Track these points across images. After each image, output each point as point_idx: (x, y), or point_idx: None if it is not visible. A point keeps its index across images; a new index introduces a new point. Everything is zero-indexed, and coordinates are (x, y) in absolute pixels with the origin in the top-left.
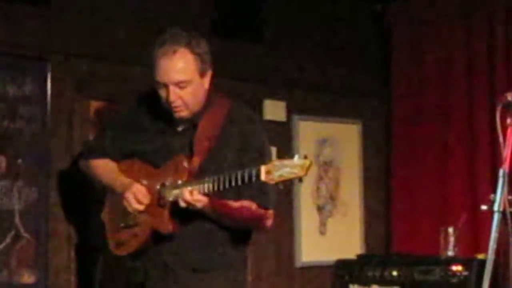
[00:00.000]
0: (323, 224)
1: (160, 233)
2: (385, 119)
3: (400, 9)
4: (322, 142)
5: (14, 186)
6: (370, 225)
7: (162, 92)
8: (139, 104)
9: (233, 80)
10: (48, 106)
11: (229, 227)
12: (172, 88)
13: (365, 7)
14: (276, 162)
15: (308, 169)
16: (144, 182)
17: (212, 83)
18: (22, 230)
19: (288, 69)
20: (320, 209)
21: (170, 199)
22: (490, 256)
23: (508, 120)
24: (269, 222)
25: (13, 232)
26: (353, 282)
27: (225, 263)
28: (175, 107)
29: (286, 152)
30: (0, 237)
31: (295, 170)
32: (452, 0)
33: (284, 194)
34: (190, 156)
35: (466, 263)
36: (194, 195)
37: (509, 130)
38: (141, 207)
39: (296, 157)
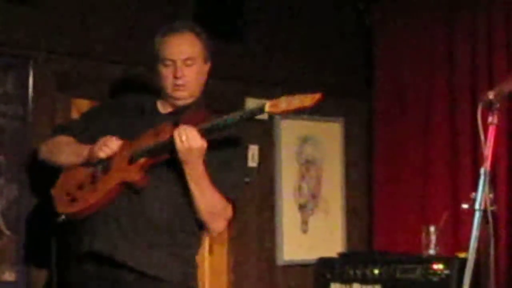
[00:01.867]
0: (305, 222)
1: (127, 185)
2: (367, 118)
3: (383, 7)
4: (304, 141)
5: None
6: (352, 223)
7: (167, 71)
8: (117, 100)
9: (214, 79)
10: (30, 104)
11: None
12: (180, 64)
13: (348, 5)
14: (283, 97)
15: (317, 101)
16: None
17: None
18: (3, 228)
19: (269, 67)
20: (302, 207)
21: (143, 150)
22: (471, 254)
23: (490, 119)
24: (223, 224)
25: None
26: (334, 281)
27: (182, 243)
28: (179, 85)
29: (268, 151)
30: None
31: (304, 101)
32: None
33: (266, 192)
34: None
35: (447, 262)
36: (193, 132)
37: (490, 129)
38: (112, 150)
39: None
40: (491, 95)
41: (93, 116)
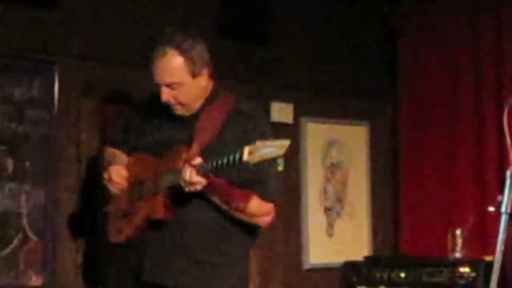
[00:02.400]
0: (330, 226)
1: (155, 220)
2: (393, 121)
3: (407, 11)
4: (330, 144)
5: (22, 189)
6: (378, 227)
7: (159, 91)
8: (144, 101)
9: (240, 82)
10: (55, 109)
11: (231, 218)
12: (163, 88)
13: (372, 9)
14: (258, 143)
15: (286, 149)
16: (144, 175)
17: (214, 80)
18: (29, 233)
19: (295, 71)
20: (327, 210)
21: (165, 184)
22: (497, 257)
23: None
24: (269, 217)
25: (20, 235)
26: (361, 284)
27: (225, 256)
28: (170, 105)
29: (294, 154)
30: (8, 239)
31: (276, 151)
32: (457, 2)
33: (291, 195)
34: (189, 147)
35: (473, 265)
36: (193, 176)
37: None
38: (118, 186)
39: (277, 140)
40: None
41: (128, 125)
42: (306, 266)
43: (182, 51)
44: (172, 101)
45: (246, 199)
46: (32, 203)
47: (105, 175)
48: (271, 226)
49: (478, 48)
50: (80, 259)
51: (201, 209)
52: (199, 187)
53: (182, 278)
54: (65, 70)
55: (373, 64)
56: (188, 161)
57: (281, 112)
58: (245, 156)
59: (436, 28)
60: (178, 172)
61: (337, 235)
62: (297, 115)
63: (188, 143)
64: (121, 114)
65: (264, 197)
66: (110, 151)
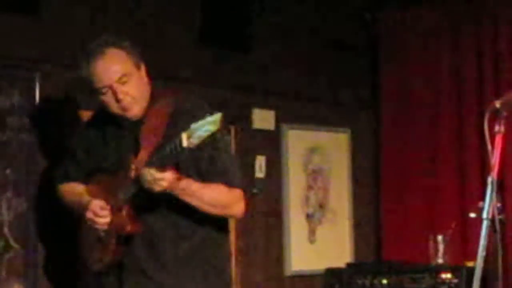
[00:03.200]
0: (312, 232)
1: (126, 235)
2: (374, 128)
3: (389, 18)
4: (311, 151)
5: (3, 197)
6: (360, 233)
7: (108, 97)
8: (92, 119)
9: (221, 89)
10: (37, 116)
11: (199, 219)
12: (116, 86)
13: (354, 16)
14: (192, 126)
15: (220, 121)
16: (105, 195)
17: (150, 80)
18: (11, 241)
19: (277, 78)
20: (309, 217)
21: (123, 198)
22: (479, 263)
23: (496, 128)
24: (241, 205)
25: (2, 243)
26: None
27: (201, 257)
28: (125, 105)
29: (275, 161)
30: None
31: (210, 127)
32: (439, 10)
33: (273, 202)
34: (136, 154)
35: (455, 271)
36: (153, 173)
37: (497, 138)
38: (106, 221)
39: (207, 116)
40: (498, 103)
41: (74, 154)
42: (287, 273)
43: (118, 46)
44: (127, 98)
45: (217, 189)
46: (14, 211)
47: (89, 214)
48: (252, 232)
49: (460, 54)
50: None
51: (166, 216)
52: (165, 184)
53: None
54: (46, 77)
55: (355, 71)
56: (137, 168)
57: (262, 119)
58: (184, 142)
59: (418, 35)
60: (132, 182)
61: (319, 242)
62: (278, 122)
63: (135, 150)
64: (70, 144)
65: (230, 185)
66: (68, 186)
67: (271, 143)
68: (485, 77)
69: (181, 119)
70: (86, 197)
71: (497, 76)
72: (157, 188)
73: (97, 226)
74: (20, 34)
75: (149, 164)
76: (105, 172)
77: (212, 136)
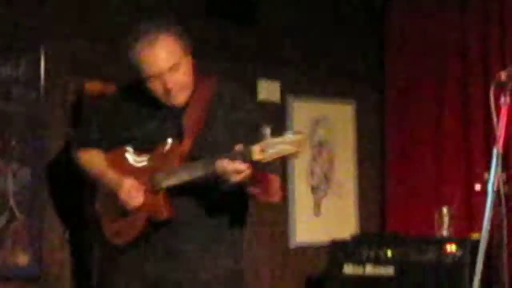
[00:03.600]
0: (317, 204)
1: (157, 220)
2: (380, 100)
3: None
4: (316, 123)
5: (8, 167)
6: (365, 206)
7: (156, 85)
8: (121, 93)
9: (226, 61)
10: (42, 88)
11: (228, 202)
12: (165, 75)
13: None
14: (268, 140)
15: (303, 144)
16: (131, 173)
17: (193, 64)
18: (16, 211)
19: (282, 49)
20: (314, 189)
21: (166, 183)
22: (483, 235)
23: (502, 100)
24: (280, 193)
25: (7, 213)
26: (348, 262)
27: (226, 239)
28: (174, 94)
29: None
30: None
31: (290, 147)
32: None
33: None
34: (179, 140)
35: (460, 243)
36: (238, 165)
37: (502, 110)
38: (139, 202)
39: (289, 134)
40: (503, 75)
41: (103, 121)
42: (293, 244)
43: (168, 31)
44: (175, 87)
45: (274, 179)
46: (19, 182)
47: (123, 194)
48: (257, 204)
49: (466, 27)
50: (67, 237)
51: (195, 203)
52: (243, 176)
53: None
54: (51, 49)
55: (361, 44)
56: (181, 157)
57: (267, 90)
58: (255, 155)
59: (423, 8)
60: (175, 171)
61: (324, 214)
62: (284, 93)
63: (177, 136)
64: (93, 111)
65: (277, 173)
66: (89, 154)
67: (276, 115)
68: (490, 48)
69: (221, 105)
70: (113, 173)
71: (503, 48)
72: (237, 179)
73: (127, 207)
74: (26, 5)
75: (228, 156)
76: (130, 145)
77: (291, 157)
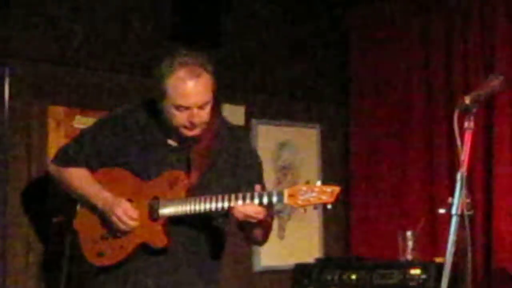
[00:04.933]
0: (282, 228)
1: (151, 247)
2: (344, 123)
3: (358, 13)
4: (281, 146)
5: None
6: (329, 229)
7: (180, 114)
8: (125, 114)
9: None
10: (6, 111)
11: (218, 234)
12: (196, 110)
13: (324, 12)
14: (302, 187)
15: (337, 196)
16: (130, 195)
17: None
18: None
19: (246, 73)
20: (278, 213)
21: (166, 213)
22: (448, 259)
23: (466, 124)
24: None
25: None
26: (311, 286)
27: (208, 278)
28: (195, 128)
29: None
30: None
31: (323, 197)
32: (411, 6)
33: None
34: (187, 172)
35: (424, 267)
36: (257, 209)
37: (466, 134)
38: (136, 224)
39: (319, 183)
40: (467, 99)
41: (100, 140)
42: (257, 268)
43: (208, 70)
44: (199, 122)
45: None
46: None
47: (119, 212)
48: None
49: (429, 50)
50: (31, 260)
51: (186, 233)
52: (261, 217)
53: None
54: (14, 71)
55: (324, 67)
56: (189, 188)
57: (232, 114)
58: (286, 199)
59: (387, 30)
60: (181, 201)
61: (289, 238)
62: (248, 117)
63: (183, 167)
64: (93, 128)
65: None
66: (78, 171)
67: None
68: (455, 71)
69: (225, 141)
70: (108, 193)
71: (467, 72)
72: (253, 221)
73: (121, 227)
74: None
75: (247, 198)
76: (128, 172)
77: (323, 207)
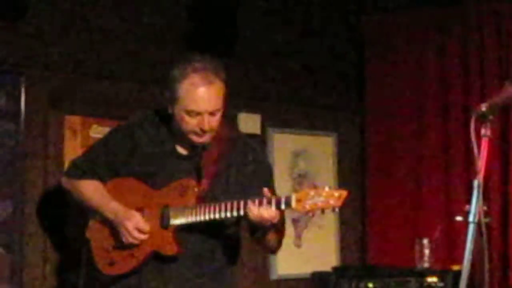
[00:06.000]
0: (298, 236)
1: (162, 255)
2: (360, 132)
3: (374, 20)
4: (297, 155)
5: None
6: (346, 237)
7: (191, 120)
8: (135, 124)
9: None
10: (22, 121)
11: (225, 248)
12: (206, 116)
13: (339, 19)
14: (309, 191)
15: (344, 200)
16: (140, 204)
17: None
18: None
19: (262, 82)
20: (295, 221)
21: (177, 221)
22: (465, 267)
23: (482, 131)
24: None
25: None
26: None
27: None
28: (205, 134)
29: None
30: None
31: (331, 201)
32: (426, 13)
33: None
34: (197, 180)
35: (441, 275)
36: (271, 212)
37: (483, 141)
38: (145, 237)
39: (327, 187)
40: (484, 107)
41: (110, 151)
42: (274, 277)
43: (221, 77)
44: (209, 128)
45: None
46: None
47: (129, 226)
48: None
49: (446, 57)
50: (47, 271)
51: (198, 241)
52: (274, 221)
53: None
54: (31, 81)
55: (340, 75)
56: (199, 196)
57: (248, 123)
58: (293, 204)
59: (404, 39)
60: (191, 209)
61: (305, 246)
62: (264, 125)
63: (193, 176)
64: (105, 141)
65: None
66: (91, 183)
67: None
68: (471, 79)
69: (235, 150)
70: (118, 204)
71: (484, 79)
72: (266, 224)
73: (131, 240)
74: (6, 37)
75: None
76: (139, 181)
77: (332, 210)
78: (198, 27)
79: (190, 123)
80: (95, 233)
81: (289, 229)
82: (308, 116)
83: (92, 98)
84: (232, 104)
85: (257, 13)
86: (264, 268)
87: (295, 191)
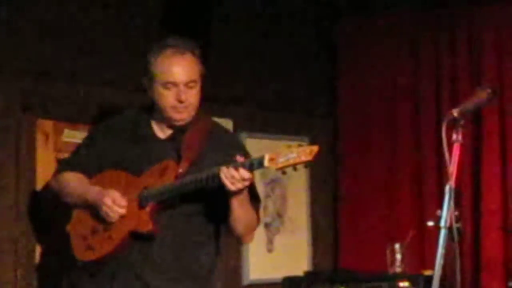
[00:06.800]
0: (270, 241)
1: (139, 234)
2: (332, 136)
3: (347, 26)
4: None
5: None
6: (318, 242)
7: (168, 93)
8: (116, 118)
9: None
10: None
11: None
12: (182, 87)
13: (312, 23)
14: (280, 149)
15: (316, 155)
16: (123, 191)
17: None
18: None
19: (234, 86)
20: (267, 226)
21: (155, 195)
22: (436, 272)
23: (454, 136)
24: (254, 234)
25: None
26: None
27: (197, 271)
28: (182, 107)
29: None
30: None
31: (302, 156)
32: (399, 19)
33: None
34: (177, 161)
35: (413, 279)
36: (244, 172)
37: (454, 147)
38: (122, 212)
39: (303, 145)
40: (455, 112)
41: (93, 144)
42: (245, 281)
43: (195, 54)
44: (186, 102)
45: (254, 214)
46: None
47: (108, 201)
48: None
49: (418, 62)
50: (19, 277)
51: (176, 224)
52: (247, 184)
53: None
54: (3, 85)
55: (312, 79)
56: (177, 177)
57: None
58: (266, 162)
59: (376, 43)
60: (168, 186)
61: (277, 251)
62: (236, 130)
63: (174, 157)
64: (88, 137)
65: (258, 213)
66: (74, 175)
67: None
68: (443, 83)
69: (217, 141)
70: (96, 187)
71: (455, 85)
72: (239, 186)
73: (110, 215)
74: None
75: (234, 165)
76: (121, 171)
77: (304, 166)
78: (168, 29)
79: (169, 96)
80: (75, 223)
81: (261, 234)
82: (280, 120)
83: (64, 102)
84: (204, 109)
85: (229, 17)
86: (236, 273)
87: (267, 196)
